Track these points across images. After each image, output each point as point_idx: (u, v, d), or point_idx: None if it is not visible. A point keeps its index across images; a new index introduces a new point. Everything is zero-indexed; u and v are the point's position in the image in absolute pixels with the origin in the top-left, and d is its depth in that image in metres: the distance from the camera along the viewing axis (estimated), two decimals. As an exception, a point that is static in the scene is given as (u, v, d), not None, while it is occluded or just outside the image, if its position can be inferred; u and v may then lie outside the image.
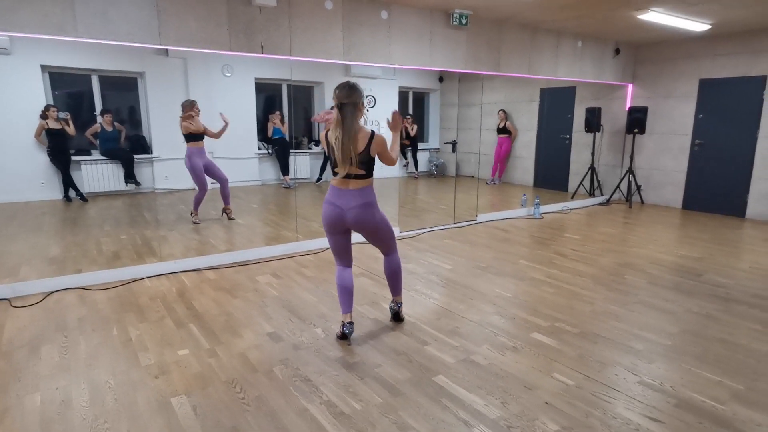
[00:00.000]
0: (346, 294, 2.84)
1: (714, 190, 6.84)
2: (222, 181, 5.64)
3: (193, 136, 5.36)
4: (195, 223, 5.48)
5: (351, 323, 2.86)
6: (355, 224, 2.76)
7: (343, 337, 2.86)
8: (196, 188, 5.56)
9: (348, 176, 2.67)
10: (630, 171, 7.41)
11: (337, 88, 2.60)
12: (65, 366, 2.56)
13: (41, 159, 5.86)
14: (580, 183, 7.82)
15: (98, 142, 6.21)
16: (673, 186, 7.30)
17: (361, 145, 2.62)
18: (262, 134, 7.31)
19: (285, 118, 7.31)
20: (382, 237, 2.91)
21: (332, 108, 2.65)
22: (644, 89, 7.50)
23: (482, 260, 4.53)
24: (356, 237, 3.01)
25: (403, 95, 9.25)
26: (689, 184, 7.12)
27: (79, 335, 2.92)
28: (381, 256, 3.13)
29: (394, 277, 3.06)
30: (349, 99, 2.57)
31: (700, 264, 4.49)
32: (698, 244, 5.19)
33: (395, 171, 9.19)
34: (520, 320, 3.20)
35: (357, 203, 2.70)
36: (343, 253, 2.88)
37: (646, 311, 3.38)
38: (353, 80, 2.67)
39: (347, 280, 2.86)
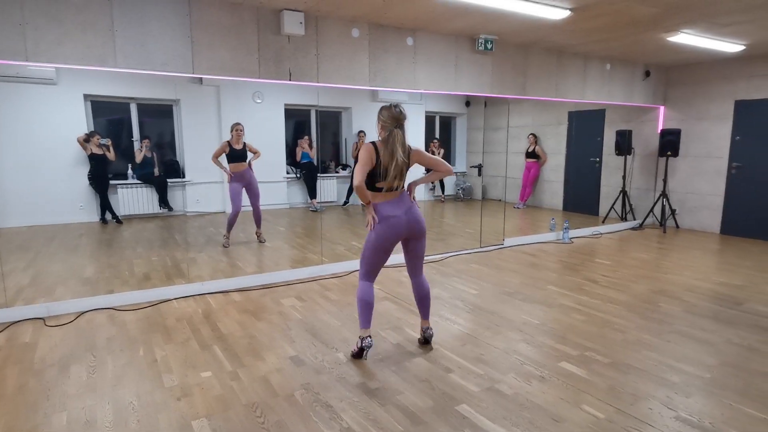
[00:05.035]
0: (371, 309, 2.90)
1: (756, 214, 6.55)
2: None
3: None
4: (225, 246, 5.58)
5: (371, 337, 2.89)
6: (414, 223, 2.87)
7: (360, 353, 2.88)
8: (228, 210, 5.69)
9: (390, 189, 2.83)
10: (663, 195, 7.20)
11: (396, 108, 2.77)
12: (92, 386, 2.61)
13: (81, 183, 6.13)
14: (611, 207, 7.63)
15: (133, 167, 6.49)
16: (710, 210, 7.03)
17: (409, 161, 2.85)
18: (291, 158, 7.46)
19: (313, 143, 7.46)
20: (424, 245, 3.03)
21: (380, 128, 2.81)
22: (676, 111, 7.33)
23: (509, 285, 4.44)
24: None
25: (429, 119, 9.32)
26: (728, 208, 6.85)
27: (107, 355, 2.98)
28: (405, 280, 3.11)
29: (428, 298, 3.13)
30: (405, 120, 2.79)
31: (741, 292, 4.28)
32: (739, 271, 4.95)
33: (421, 194, 9.20)
34: (547, 348, 3.10)
35: (407, 205, 2.88)
36: (380, 267, 2.98)
37: (682, 341, 3.22)
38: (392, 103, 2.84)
39: (373, 296, 2.93)
